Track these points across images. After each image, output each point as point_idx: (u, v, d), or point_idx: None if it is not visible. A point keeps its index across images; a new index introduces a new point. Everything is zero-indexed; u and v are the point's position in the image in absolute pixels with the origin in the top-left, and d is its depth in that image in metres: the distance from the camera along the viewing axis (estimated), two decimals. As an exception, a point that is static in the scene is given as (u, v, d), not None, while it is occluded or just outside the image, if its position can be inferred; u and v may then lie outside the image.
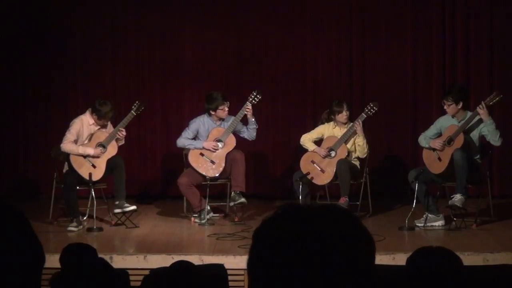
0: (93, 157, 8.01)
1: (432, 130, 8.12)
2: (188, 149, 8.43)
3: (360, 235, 1.52)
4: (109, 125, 8.24)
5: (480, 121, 7.83)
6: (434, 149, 7.98)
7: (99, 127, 8.15)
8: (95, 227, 7.79)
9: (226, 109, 8.36)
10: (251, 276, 1.53)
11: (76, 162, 7.99)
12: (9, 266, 1.78)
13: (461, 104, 7.87)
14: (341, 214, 1.53)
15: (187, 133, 8.44)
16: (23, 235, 1.83)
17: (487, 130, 7.80)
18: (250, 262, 1.53)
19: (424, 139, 8.09)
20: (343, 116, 8.35)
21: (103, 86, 9.84)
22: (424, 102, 9.98)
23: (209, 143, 8.31)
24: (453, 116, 7.95)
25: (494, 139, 7.81)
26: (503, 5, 9.85)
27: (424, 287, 2.98)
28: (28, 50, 9.94)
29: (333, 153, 8.30)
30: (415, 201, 7.77)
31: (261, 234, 1.53)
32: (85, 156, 8.01)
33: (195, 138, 8.45)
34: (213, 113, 8.37)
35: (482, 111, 7.71)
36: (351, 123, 8.34)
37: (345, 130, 8.34)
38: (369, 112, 8.27)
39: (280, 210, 1.54)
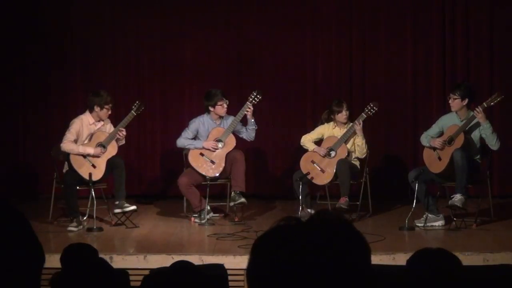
0: (93, 156, 8.02)
1: (435, 129, 8.12)
2: (188, 149, 8.43)
3: (355, 242, 1.55)
4: (109, 125, 8.25)
5: (481, 121, 7.86)
6: (434, 148, 7.99)
7: (99, 126, 8.16)
8: (95, 227, 7.80)
9: (225, 105, 8.36)
10: (251, 286, 1.55)
11: (76, 162, 8.00)
12: (9, 266, 1.78)
13: (466, 101, 7.87)
14: (336, 223, 1.56)
15: (187, 133, 8.44)
16: (23, 235, 1.83)
17: (484, 134, 7.81)
18: (249, 275, 1.55)
19: (425, 138, 8.10)
20: (342, 116, 8.35)
21: (103, 86, 9.81)
22: (424, 102, 9.98)
23: (209, 143, 8.32)
24: (456, 112, 7.94)
25: (491, 143, 7.82)
26: (503, 5, 9.86)
27: None
28: (28, 50, 9.95)
29: (333, 153, 8.30)
30: (415, 201, 7.77)
31: (260, 247, 1.56)
32: (85, 156, 8.01)
33: (195, 138, 8.45)
34: (212, 109, 8.37)
35: (479, 115, 7.72)
36: (351, 123, 8.34)
37: (345, 130, 8.34)
38: (369, 112, 8.27)
39: (277, 224, 1.57)
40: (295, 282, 1.49)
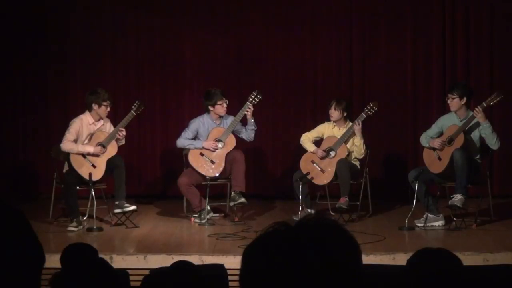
0: (93, 155, 8.02)
1: (434, 129, 8.12)
2: (188, 149, 8.43)
3: (344, 243, 1.56)
4: (109, 125, 8.25)
5: (481, 121, 7.86)
6: (434, 148, 7.99)
7: (99, 126, 8.15)
8: (95, 227, 7.79)
9: (225, 105, 8.36)
10: None
11: (76, 162, 8.00)
12: (9, 266, 1.78)
13: (464, 100, 7.88)
14: (324, 226, 1.56)
15: (187, 133, 8.44)
16: (23, 235, 1.83)
17: (484, 133, 7.81)
18: (241, 281, 1.56)
19: (425, 138, 8.10)
20: (330, 112, 8.33)
21: (103, 86, 9.81)
22: (424, 102, 9.98)
23: (209, 143, 8.32)
24: (455, 112, 7.94)
25: (491, 142, 7.82)
26: (503, 5, 9.86)
27: None
28: (28, 49, 9.94)
29: (333, 153, 8.29)
30: (415, 201, 7.77)
31: (250, 254, 1.57)
32: (85, 156, 8.01)
33: (195, 138, 8.45)
34: (212, 109, 8.37)
35: (479, 115, 7.72)
36: (351, 123, 8.33)
37: (345, 130, 8.33)
38: (368, 112, 8.26)
39: (266, 230, 1.58)
40: (286, 287, 1.49)
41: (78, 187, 8.06)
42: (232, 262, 6.32)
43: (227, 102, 8.40)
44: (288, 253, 1.51)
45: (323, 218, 1.61)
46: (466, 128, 7.87)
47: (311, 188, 8.39)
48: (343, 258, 1.53)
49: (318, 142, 8.45)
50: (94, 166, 8.02)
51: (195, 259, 6.10)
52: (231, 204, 8.24)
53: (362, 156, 8.36)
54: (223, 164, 8.33)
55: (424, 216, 7.82)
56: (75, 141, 8.05)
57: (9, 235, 1.80)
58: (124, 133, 8.14)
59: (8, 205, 1.87)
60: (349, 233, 1.58)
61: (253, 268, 1.54)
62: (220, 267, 5.28)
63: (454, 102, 7.91)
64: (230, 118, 8.40)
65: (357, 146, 8.30)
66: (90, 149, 8.00)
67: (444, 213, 7.89)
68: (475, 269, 5.33)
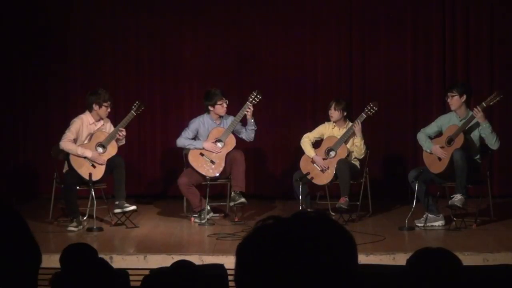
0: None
1: (433, 127, 8.11)
2: (188, 149, 8.44)
3: (339, 238, 1.55)
4: (109, 125, 8.25)
5: (481, 121, 7.86)
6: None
7: (99, 126, 8.15)
8: (95, 227, 7.79)
9: (225, 105, 8.36)
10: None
11: (76, 162, 8.00)
12: (6, 266, 1.77)
13: (464, 97, 7.88)
14: (319, 220, 1.55)
15: (187, 133, 8.44)
16: (20, 235, 1.83)
17: (484, 133, 7.81)
18: (236, 279, 1.56)
19: (425, 142, 8.06)
20: (330, 113, 8.33)
21: (103, 85, 9.82)
22: (424, 102, 9.98)
23: (210, 145, 8.31)
24: (455, 112, 7.94)
25: (491, 142, 7.81)
26: (503, 5, 9.86)
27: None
28: (28, 49, 9.94)
29: (333, 153, 8.29)
30: (415, 201, 7.77)
31: (242, 251, 1.57)
32: (84, 156, 8.02)
33: (195, 138, 8.45)
34: (212, 109, 8.37)
35: (478, 114, 7.72)
36: (351, 123, 8.33)
37: (345, 130, 8.33)
38: (369, 112, 8.26)
39: (256, 226, 1.57)
40: (280, 281, 1.48)
41: (78, 187, 8.06)
42: (232, 262, 6.26)
43: (227, 102, 8.40)
44: (281, 248, 1.50)
45: (317, 212, 1.60)
46: (466, 128, 7.87)
47: (311, 188, 8.39)
48: (337, 253, 1.51)
49: (318, 143, 8.45)
50: (94, 166, 8.01)
51: (195, 259, 6.09)
52: (231, 204, 8.24)
53: (362, 156, 8.36)
54: (223, 164, 8.33)
55: (424, 216, 7.82)
56: (75, 140, 8.06)
57: (6, 235, 1.80)
58: (124, 133, 8.14)
59: (5, 204, 1.86)
60: (343, 228, 1.57)
61: (246, 265, 1.54)
62: (220, 267, 5.28)
63: (454, 99, 7.90)
64: (230, 118, 8.40)
65: (357, 146, 8.30)
66: (88, 153, 7.98)
67: (444, 213, 7.89)
68: (475, 269, 5.33)
